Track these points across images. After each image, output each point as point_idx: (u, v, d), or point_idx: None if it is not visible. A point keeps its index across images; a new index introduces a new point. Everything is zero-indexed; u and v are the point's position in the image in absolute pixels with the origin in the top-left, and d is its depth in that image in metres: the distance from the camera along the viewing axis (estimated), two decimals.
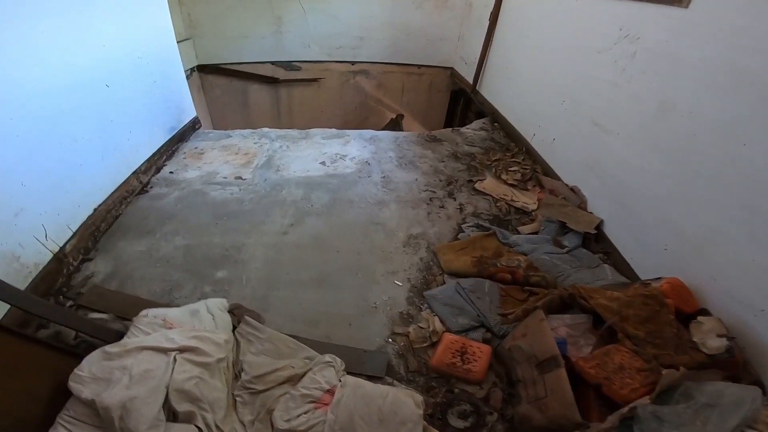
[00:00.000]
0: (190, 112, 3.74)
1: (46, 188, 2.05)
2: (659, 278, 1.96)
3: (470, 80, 4.72)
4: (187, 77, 5.00)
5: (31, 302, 1.50)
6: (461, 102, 5.26)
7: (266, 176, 3.06)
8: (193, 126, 3.75)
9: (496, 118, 4.04)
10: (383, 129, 5.31)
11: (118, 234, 2.46)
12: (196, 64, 5.21)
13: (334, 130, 3.80)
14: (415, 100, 5.76)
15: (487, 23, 4.08)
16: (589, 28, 2.58)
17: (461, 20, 5.08)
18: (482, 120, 4.14)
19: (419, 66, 5.42)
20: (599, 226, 2.55)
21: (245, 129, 3.83)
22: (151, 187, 2.93)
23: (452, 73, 5.43)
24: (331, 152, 3.41)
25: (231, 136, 3.65)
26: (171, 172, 3.11)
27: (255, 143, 3.53)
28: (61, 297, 2.05)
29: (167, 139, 3.29)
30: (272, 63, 5.34)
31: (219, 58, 5.23)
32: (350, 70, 5.48)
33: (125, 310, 1.89)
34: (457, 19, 5.08)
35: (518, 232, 2.68)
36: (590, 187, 2.66)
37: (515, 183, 3.10)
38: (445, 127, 5.99)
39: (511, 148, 3.60)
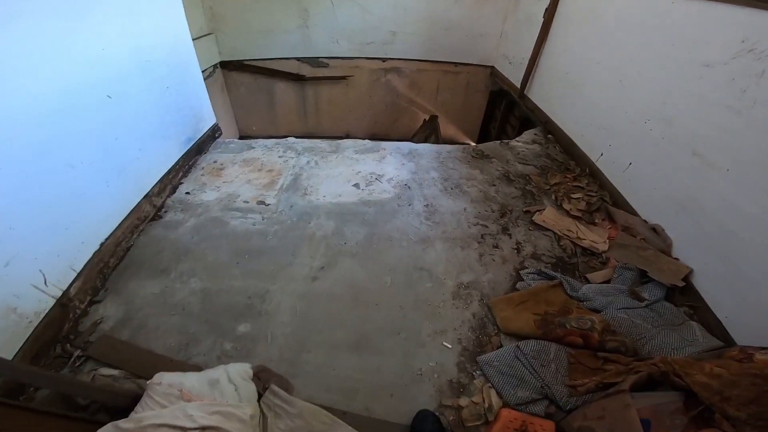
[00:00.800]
0: (209, 120, 3.37)
1: (40, 228, 1.72)
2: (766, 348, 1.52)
3: (516, 82, 4.20)
4: (209, 75, 4.68)
5: (21, 373, 1.20)
6: (503, 105, 4.73)
7: (292, 201, 2.68)
8: (213, 134, 3.38)
9: (551, 129, 3.53)
10: (417, 132, 4.87)
11: (130, 271, 2.14)
12: (219, 60, 4.86)
13: (368, 143, 3.38)
14: (451, 100, 5.26)
15: (540, 20, 3.54)
16: (697, 36, 2.04)
17: (505, 15, 4.51)
18: (534, 130, 3.63)
19: (456, 64, 4.90)
20: (687, 277, 2.08)
21: (269, 138, 3.44)
22: (166, 212, 2.60)
23: (493, 72, 4.89)
24: (365, 171, 2.99)
25: (254, 148, 3.27)
26: (187, 193, 2.76)
27: (280, 157, 3.14)
28: (68, 345, 1.77)
29: (183, 152, 2.93)
30: (298, 59, 4.94)
31: (243, 53, 4.86)
32: (381, 68, 5.02)
33: (138, 367, 1.65)
34: (500, 14, 4.52)
35: (587, 280, 2.23)
36: (679, 228, 2.17)
37: (580, 214, 2.63)
38: (482, 130, 5.50)
39: (572, 168, 3.08)
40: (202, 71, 4.45)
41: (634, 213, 2.49)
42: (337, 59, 4.96)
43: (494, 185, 2.87)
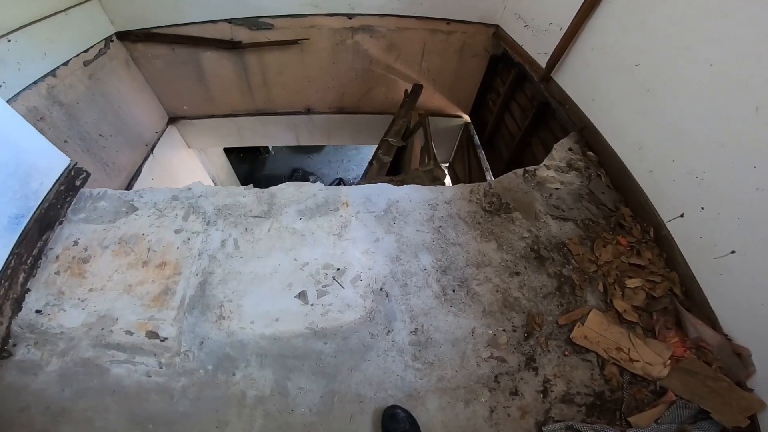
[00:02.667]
0: (53, 168, 2.01)
1: None
2: None
3: (536, 56, 2.93)
4: (100, 53, 3.22)
5: None
6: (510, 78, 3.49)
7: (202, 333, 1.63)
8: (70, 186, 2.07)
9: (591, 143, 2.44)
10: (396, 117, 3.64)
11: None
12: (112, 32, 3.32)
13: (320, 195, 2.09)
14: (440, 66, 3.92)
15: None
16: None
17: None
18: (568, 143, 2.47)
19: (448, 21, 3.49)
20: (755, 415, 1.37)
21: (161, 191, 2.10)
22: (15, 345, 1.60)
23: (497, 33, 3.54)
24: (316, 261, 1.84)
25: (137, 210, 2.00)
26: (38, 311, 1.67)
27: (178, 233, 1.91)
28: None
29: (13, 244, 1.72)
30: (229, 21, 3.43)
31: (146, 20, 3.32)
32: (347, 27, 3.57)
33: None
34: None
35: (629, 425, 1.46)
36: None
37: (636, 317, 1.75)
38: (477, 101, 4.27)
39: (628, 226, 2.02)
40: (86, 50, 3.04)
41: (713, 320, 1.63)
42: (284, 18, 3.46)
43: (518, 273, 1.84)
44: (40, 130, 2.72)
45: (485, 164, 4.12)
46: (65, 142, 2.91)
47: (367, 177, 2.76)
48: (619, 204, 2.14)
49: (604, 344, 1.64)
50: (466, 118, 4.50)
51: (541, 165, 2.35)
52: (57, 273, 1.80)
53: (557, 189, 2.21)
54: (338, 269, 1.83)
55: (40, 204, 1.87)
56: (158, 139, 4.03)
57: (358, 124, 4.50)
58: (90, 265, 1.81)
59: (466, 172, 4.43)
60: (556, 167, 2.33)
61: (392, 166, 3.00)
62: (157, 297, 1.73)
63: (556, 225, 2.04)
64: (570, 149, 2.45)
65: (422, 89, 3.96)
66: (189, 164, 4.76)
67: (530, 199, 2.14)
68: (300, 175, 7.14)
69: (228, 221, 1.95)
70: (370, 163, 2.94)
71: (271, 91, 4.13)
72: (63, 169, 2.01)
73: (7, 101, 2.40)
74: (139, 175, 3.67)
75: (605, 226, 2.05)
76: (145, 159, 3.80)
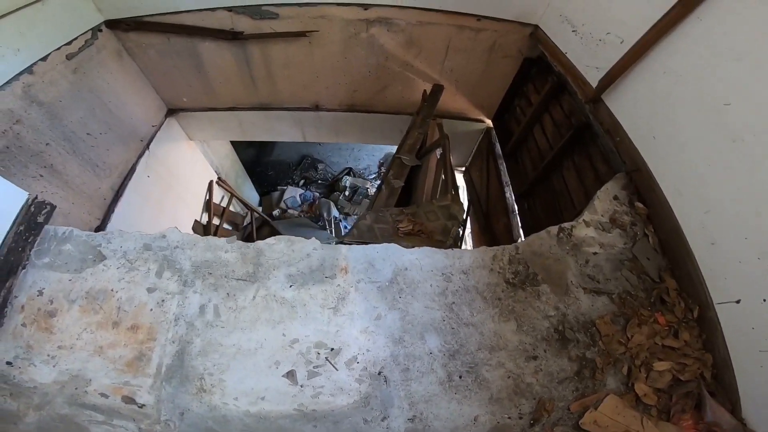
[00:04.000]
0: (6, 208, 1.67)
1: None
2: None
3: (583, 69, 2.46)
4: (86, 44, 2.84)
5: None
6: (546, 88, 3.00)
7: (182, 404, 1.42)
8: (31, 223, 1.74)
9: (644, 192, 2.02)
10: (411, 129, 3.22)
11: None
12: (101, 20, 2.92)
13: (315, 256, 1.72)
14: (465, 67, 3.43)
15: None
16: None
17: None
18: (613, 188, 2.04)
19: (479, 17, 2.97)
20: None
21: (131, 235, 1.76)
22: None
23: (535, 35, 3.01)
24: (307, 337, 1.55)
25: (105, 258, 1.69)
26: (9, 363, 1.50)
27: (150, 291, 1.62)
28: None
29: None
30: (229, 9, 2.98)
31: (137, 8, 2.90)
32: (362, 18, 3.08)
33: None
34: None
35: None
36: None
37: (655, 400, 1.45)
38: (502, 106, 3.79)
39: (670, 303, 1.68)
40: (69, 42, 2.68)
41: (734, 405, 1.34)
42: (290, 6, 3.00)
43: (535, 357, 1.53)
44: (17, 135, 2.45)
45: (506, 178, 3.71)
46: (47, 144, 2.60)
47: (375, 205, 2.41)
48: (665, 273, 1.79)
49: (613, 428, 1.43)
50: (488, 122, 4.03)
51: (580, 221, 1.94)
52: (23, 325, 1.59)
53: (595, 254, 1.84)
54: (332, 349, 1.54)
55: None
56: (155, 133, 3.69)
57: (370, 122, 4.08)
58: (57, 320, 1.60)
59: (483, 183, 4.03)
60: (598, 224, 1.93)
61: (403, 188, 2.63)
62: (131, 362, 1.53)
63: (588, 300, 1.71)
64: (615, 197, 2.04)
65: (443, 90, 3.49)
66: (190, 157, 4.43)
67: (562, 268, 1.78)
68: (309, 162, 6.77)
69: (207, 282, 1.65)
70: (379, 188, 2.57)
71: (276, 85, 3.71)
72: (20, 206, 1.70)
73: None
74: (133, 173, 3.38)
75: (644, 300, 1.72)
76: (140, 155, 3.49)
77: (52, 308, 1.61)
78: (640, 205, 1.99)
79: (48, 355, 1.52)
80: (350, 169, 6.84)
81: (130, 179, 3.34)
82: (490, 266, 1.75)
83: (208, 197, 4.71)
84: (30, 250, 1.72)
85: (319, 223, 5.87)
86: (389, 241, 1.90)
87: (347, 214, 6.14)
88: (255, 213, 5.55)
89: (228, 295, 1.62)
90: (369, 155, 7.01)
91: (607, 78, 2.23)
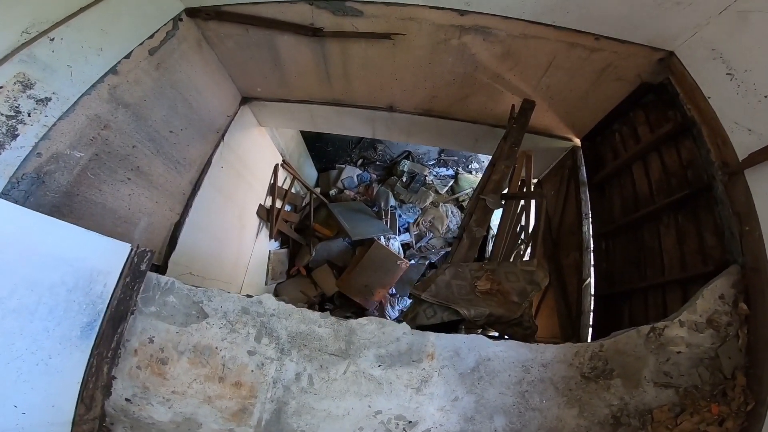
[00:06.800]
0: (113, 262, 1.68)
1: None
2: None
3: (729, 124, 1.93)
4: (168, 36, 2.67)
5: None
6: (666, 128, 2.45)
7: None
8: (136, 273, 1.76)
9: (753, 293, 1.61)
10: (504, 141, 2.82)
11: None
12: (181, 9, 2.70)
13: (404, 341, 1.67)
14: (566, 85, 2.88)
15: None
16: None
17: None
18: (723, 288, 1.63)
19: (598, 37, 2.40)
20: None
21: (231, 297, 1.77)
22: (112, 424, 1.64)
23: (667, 62, 2.39)
24: (389, 410, 1.57)
25: (207, 317, 1.72)
26: (128, 400, 1.63)
27: (251, 354, 1.67)
28: None
29: (90, 347, 1.56)
30: (310, 3, 2.63)
31: None
32: (456, 24, 2.61)
33: None
34: None
35: None
36: None
37: None
38: (598, 128, 3.21)
39: (731, 394, 1.56)
40: (151, 36, 2.51)
41: None
42: (377, 4, 2.59)
43: None
44: (105, 140, 2.40)
45: (586, 209, 3.25)
46: (133, 147, 2.56)
47: (455, 257, 2.19)
48: (739, 371, 1.63)
49: None
50: (576, 141, 3.48)
51: (675, 321, 1.70)
52: (138, 367, 1.72)
53: (679, 351, 1.66)
54: (410, 422, 1.62)
55: (109, 304, 1.66)
56: (230, 123, 3.57)
57: (445, 128, 3.69)
58: (169, 368, 1.71)
59: (558, 207, 3.58)
60: (693, 324, 1.69)
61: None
62: (236, 413, 1.65)
63: (654, 392, 1.65)
64: (721, 297, 1.72)
65: (533, 108, 3.00)
66: (260, 142, 4.33)
67: (640, 366, 1.66)
68: (368, 141, 6.47)
69: (302, 353, 1.68)
70: (459, 237, 2.31)
71: (352, 83, 3.39)
72: (125, 259, 1.72)
73: (63, 113, 2.05)
74: (209, 166, 3.32)
75: (708, 393, 1.64)
76: (216, 147, 3.41)
77: (163, 356, 1.69)
78: (744, 306, 1.69)
79: (163, 398, 1.63)
80: (409, 152, 6.47)
81: (206, 173, 3.29)
82: (570, 361, 1.69)
83: (272, 180, 4.65)
84: (136, 297, 1.77)
85: (374, 209, 5.70)
86: (466, 299, 1.91)
87: (403, 201, 5.90)
88: (313, 195, 5.47)
89: (321, 367, 1.66)
90: None
91: (765, 152, 1.72)
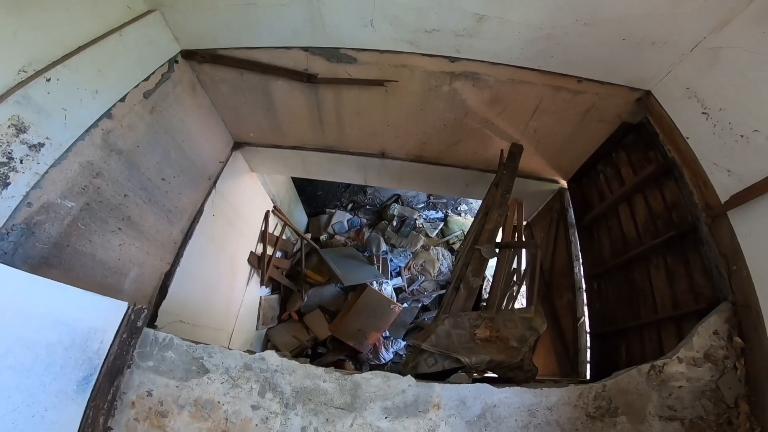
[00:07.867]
0: (110, 320, 1.64)
1: None
2: None
3: (709, 165, 1.98)
4: (163, 79, 2.63)
5: None
6: (648, 170, 2.51)
7: None
8: (132, 329, 1.69)
9: (746, 328, 1.59)
10: (495, 187, 2.82)
11: None
12: (178, 50, 2.72)
13: (409, 393, 1.63)
14: (552, 128, 3.00)
15: None
16: None
17: (724, 15, 1.97)
18: (716, 324, 1.66)
19: (581, 79, 2.54)
20: None
21: (229, 353, 1.73)
22: None
23: (643, 101, 2.53)
24: None
25: (208, 372, 1.63)
26: None
27: (254, 409, 1.56)
28: None
29: (86, 400, 1.47)
30: (305, 49, 2.71)
31: (214, 39, 2.72)
32: (446, 71, 2.73)
33: None
34: (707, 12, 1.98)
35: None
36: None
37: None
38: (583, 168, 3.28)
39: (736, 424, 1.60)
40: (146, 78, 2.46)
41: None
42: (371, 52, 2.69)
43: None
44: (97, 189, 2.25)
45: (576, 251, 3.22)
46: (125, 196, 2.43)
47: (453, 307, 2.10)
48: (741, 400, 1.68)
49: None
50: (563, 183, 3.55)
51: (674, 358, 1.73)
52: (136, 419, 1.61)
53: (681, 386, 1.68)
54: None
55: (105, 359, 1.58)
56: (222, 169, 3.51)
57: (436, 174, 3.74)
58: (169, 421, 1.60)
59: (549, 249, 3.55)
60: (691, 359, 1.72)
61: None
62: None
63: (660, 426, 1.67)
64: (715, 332, 1.75)
65: (522, 152, 3.07)
66: (251, 189, 4.26)
67: (644, 402, 1.68)
68: (358, 185, 6.50)
69: (308, 407, 1.59)
70: (456, 288, 2.23)
71: (344, 129, 3.44)
72: (121, 316, 1.65)
73: (56, 160, 1.92)
74: (201, 214, 3.19)
75: (712, 423, 1.67)
76: (207, 194, 3.29)
77: (162, 409, 1.60)
78: (738, 339, 1.72)
79: None
80: (399, 196, 6.50)
81: (198, 221, 3.15)
82: (575, 402, 1.69)
83: (263, 227, 4.52)
84: (133, 352, 1.67)
85: (366, 254, 5.56)
86: (466, 347, 1.88)
87: (394, 246, 5.80)
88: (304, 241, 5.33)
89: (327, 420, 1.58)
90: None
91: (745, 194, 1.73)
